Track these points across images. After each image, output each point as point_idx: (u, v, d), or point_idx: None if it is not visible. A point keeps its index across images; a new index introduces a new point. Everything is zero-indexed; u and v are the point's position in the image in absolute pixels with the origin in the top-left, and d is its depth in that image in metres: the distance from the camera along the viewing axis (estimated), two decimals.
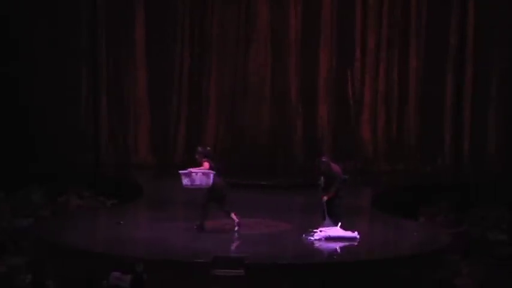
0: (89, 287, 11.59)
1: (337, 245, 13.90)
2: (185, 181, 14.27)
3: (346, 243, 13.98)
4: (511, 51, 21.99)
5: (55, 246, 13.64)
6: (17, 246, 15.05)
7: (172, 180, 19.81)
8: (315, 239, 14.07)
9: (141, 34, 22.95)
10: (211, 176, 14.19)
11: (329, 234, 14.07)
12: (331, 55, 22.68)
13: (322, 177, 14.46)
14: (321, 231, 14.14)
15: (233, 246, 14.21)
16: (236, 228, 14.49)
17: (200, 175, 14.22)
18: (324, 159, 14.68)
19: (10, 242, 15.22)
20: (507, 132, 22.06)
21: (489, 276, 13.37)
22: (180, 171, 14.33)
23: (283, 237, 14.73)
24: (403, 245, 14.80)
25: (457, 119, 22.37)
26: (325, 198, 14.29)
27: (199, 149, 14.68)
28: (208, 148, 14.92)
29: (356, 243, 13.99)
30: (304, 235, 14.25)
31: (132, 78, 23.07)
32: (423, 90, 22.48)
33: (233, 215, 14.58)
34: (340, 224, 14.25)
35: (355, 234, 14.15)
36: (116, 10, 22.93)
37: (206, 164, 14.28)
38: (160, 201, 18.43)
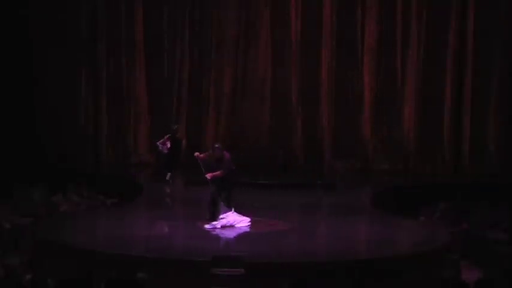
0: (88, 285, 11.54)
1: (233, 232, 14.59)
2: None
3: (244, 227, 14.75)
4: (510, 52, 21.99)
5: (55, 245, 13.64)
6: (17, 245, 15.05)
7: (172, 179, 19.87)
8: (217, 227, 14.63)
9: (141, 34, 22.96)
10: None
11: (228, 221, 14.71)
12: (331, 55, 22.68)
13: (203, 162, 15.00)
14: (221, 218, 14.68)
15: (233, 245, 14.21)
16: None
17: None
18: (217, 146, 15.14)
19: (10, 240, 15.22)
20: (507, 132, 22.06)
21: (489, 276, 13.32)
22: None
23: (283, 237, 14.72)
24: (403, 244, 14.82)
25: (457, 119, 22.37)
26: (208, 175, 14.70)
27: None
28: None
29: (248, 226, 14.76)
30: (205, 225, 14.70)
31: (132, 78, 23.09)
32: (423, 90, 22.48)
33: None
34: (233, 209, 14.80)
35: (248, 218, 14.84)
36: (116, 10, 22.93)
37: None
38: (160, 200, 18.46)
